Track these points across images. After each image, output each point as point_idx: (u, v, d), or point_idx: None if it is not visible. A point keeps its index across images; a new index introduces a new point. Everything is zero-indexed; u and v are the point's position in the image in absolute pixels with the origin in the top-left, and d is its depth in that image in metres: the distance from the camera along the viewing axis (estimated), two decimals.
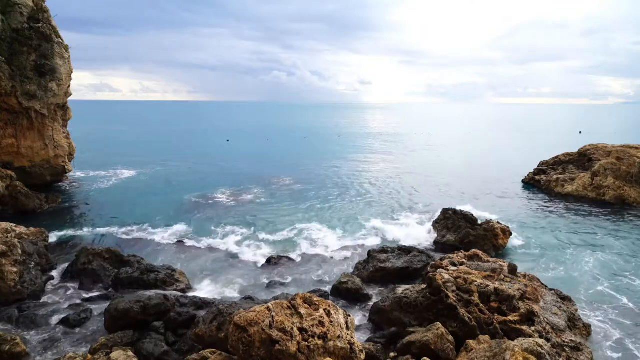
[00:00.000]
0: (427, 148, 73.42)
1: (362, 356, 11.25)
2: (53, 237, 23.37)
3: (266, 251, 22.78)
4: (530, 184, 39.80)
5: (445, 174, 46.19)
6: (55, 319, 15.32)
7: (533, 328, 13.17)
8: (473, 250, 18.31)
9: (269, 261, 21.30)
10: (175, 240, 24.17)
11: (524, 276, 16.35)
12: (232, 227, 26.61)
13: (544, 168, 40.20)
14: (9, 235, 18.10)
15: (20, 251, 18.00)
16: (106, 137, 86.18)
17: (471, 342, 12.21)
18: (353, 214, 30.21)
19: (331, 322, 11.14)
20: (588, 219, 29.09)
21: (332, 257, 22.12)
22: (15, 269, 17.05)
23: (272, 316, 10.81)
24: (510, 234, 23.11)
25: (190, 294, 17.62)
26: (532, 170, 41.26)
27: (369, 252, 20.99)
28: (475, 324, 13.36)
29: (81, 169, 43.87)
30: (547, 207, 32.45)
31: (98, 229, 25.96)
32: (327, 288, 18.09)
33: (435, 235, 24.75)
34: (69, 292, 17.73)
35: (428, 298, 14.61)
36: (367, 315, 15.98)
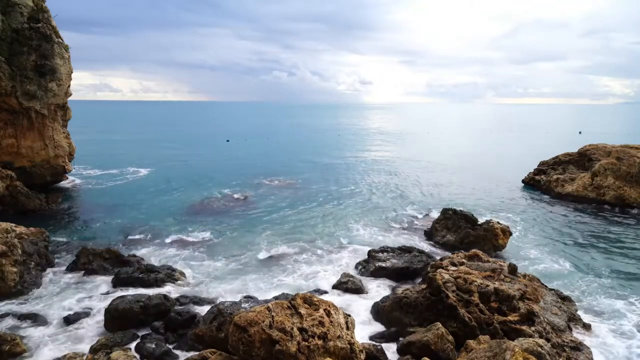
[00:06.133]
0: (427, 148, 73.43)
1: (362, 356, 11.25)
2: (53, 237, 23.35)
3: (266, 251, 22.76)
4: (530, 184, 39.79)
5: (445, 174, 46.21)
6: (55, 319, 15.31)
7: (533, 328, 13.17)
8: (473, 250, 18.31)
9: (270, 261, 21.29)
10: (175, 240, 24.16)
11: (524, 276, 16.34)
12: (233, 227, 26.61)
13: (544, 168, 40.18)
14: (9, 235, 18.09)
15: (20, 251, 18.00)
16: (106, 137, 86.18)
17: (471, 342, 12.21)
18: (353, 213, 30.20)
19: (331, 322, 11.15)
20: (588, 219, 29.10)
21: (332, 257, 22.10)
22: (15, 269, 17.06)
23: (272, 316, 10.81)
24: (510, 234, 23.09)
25: (190, 293, 17.62)
26: (532, 171, 41.25)
27: (369, 252, 20.99)
28: (475, 324, 13.37)
29: (81, 169, 43.91)
30: (547, 207, 32.45)
31: (98, 229, 25.96)
32: (327, 288, 18.09)
33: (435, 235, 24.75)
34: (69, 292, 17.71)
35: (428, 298, 14.61)
36: (367, 315, 15.98)
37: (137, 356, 12.89)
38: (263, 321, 10.62)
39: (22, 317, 15.20)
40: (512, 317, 13.52)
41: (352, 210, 31.28)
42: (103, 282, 18.42)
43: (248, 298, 16.45)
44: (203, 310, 15.47)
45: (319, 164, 53.25)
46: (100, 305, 16.15)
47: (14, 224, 19.48)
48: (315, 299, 11.75)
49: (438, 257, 19.43)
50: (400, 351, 13.20)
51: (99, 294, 17.49)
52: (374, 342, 13.82)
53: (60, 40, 33.65)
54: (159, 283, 18.00)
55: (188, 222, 27.61)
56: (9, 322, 14.92)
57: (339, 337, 10.93)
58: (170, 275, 18.59)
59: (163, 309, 15.17)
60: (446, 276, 14.91)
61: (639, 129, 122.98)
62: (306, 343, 10.46)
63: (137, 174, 44.39)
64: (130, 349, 13.21)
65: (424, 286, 15.26)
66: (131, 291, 17.17)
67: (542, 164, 41.26)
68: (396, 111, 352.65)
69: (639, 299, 17.48)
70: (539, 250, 23.21)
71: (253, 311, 10.98)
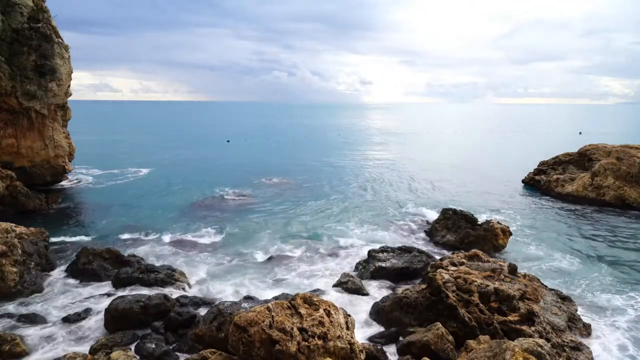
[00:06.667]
0: (427, 148, 73.43)
1: (362, 356, 11.25)
2: (53, 237, 23.35)
3: (266, 251, 22.77)
4: (530, 184, 39.80)
5: (445, 174, 46.21)
6: (55, 319, 15.31)
7: (533, 328, 13.17)
8: (473, 250, 18.31)
9: (269, 260, 21.28)
10: (175, 240, 24.16)
11: (524, 276, 16.34)
12: (233, 227, 26.61)
13: (544, 168, 40.20)
14: (9, 235, 18.09)
15: (20, 251, 17.99)
16: (106, 137, 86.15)
17: (471, 342, 12.21)
18: (353, 213, 30.20)
19: (331, 322, 11.14)
20: (588, 219, 29.10)
21: (332, 257, 22.11)
22: (15, 269, 17.05)
23: (272, 316, 10.81)
24: (510, 234, 23.10)
25: (190, 294, 17.62)
26: (532, 171, 41.26)
27: (369, 252, 20.98)
28: (475, 324, 13.37)
29: (82, 169, 43.91)
30: (547, 207, 32.45)
31: (98, 229, 25.96)
32: (327, 288, 18.07)
33: (435, 235, 24.74)
34: (69, 292, 17.71)
35: (428, 298, 14.61)
36: (367, 315, 15.98)
37: (137, 356, 12.89)
38: (263, 321, 10.62)
39: (22, 317, 15.19)
40: (512, 317, 13.52)
41: (352, 209, 31.28)
42: (103, 282, 18.42)
43: (248, 298, 16.47)
44: (203, 310, 15.48)
45: (319, 164, 53.25)
46: (100, 305, 16.14)
47: (14, 224, 19.48)
48: (315, 299, 11.75)
49: (438, 257, 19.43)
50: (400, 351, 13.20)
51: (99, 294, 17.48)
52: (373, 342, 13.82)
53: (60, 40, 33.66)
54: (159, 283, 17.99)
55: (188, 221, 27.61)
56: (9, 322, 14.92)
57: (339, 337, 10.93)
58: (170, 275, 18.57)
59: (163, 309, 15.16)
60: (446, 276, 14.91)
61: (639, 129, 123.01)
62: (306, 343, 10.46)
63: (138, 174, 44.40)
64: (130, 349, 13.21)
65: (424, 286, 15.26)
66: (131, 291, 17.18)
67: (542, 164, 41.28)
68: (396, 111, 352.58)
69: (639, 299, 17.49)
70: (539, 250, 23.21)
71: (253, 311, 10.98)
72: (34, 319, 15.07)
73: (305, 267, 20.78)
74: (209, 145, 74.67)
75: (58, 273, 19.43)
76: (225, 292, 18.01)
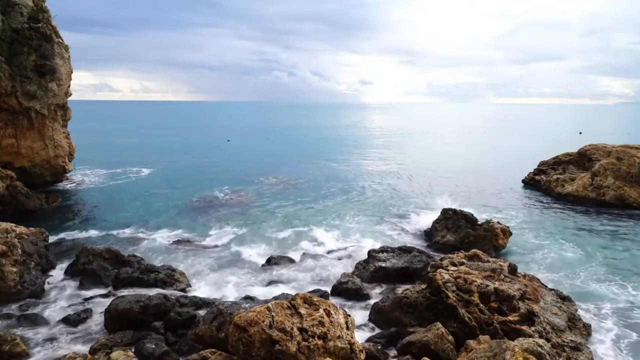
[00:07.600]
0: (427, 148, 73.43)
1: (362, 356, 11.25)
2: (53, 237, 23.35)
3: (266, 251, 22.77)
4: (530, 184, 39.79)
5: (445, 174, 46.19)
6: (55, 319, 15.31)
7: (533, 328, 13.16)
8: (473, 250, 18.30)
9: (269, 261, 21.26)
10: (175, 240, 24.16)
11: (524, 276, 16.34)
12: (233, 227, 26.62)
13: (544, 168, 40.18)
14: (9, 235, 18.09)
15: (20, 251, 17.99)
16: (106, 137, 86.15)
17: (471, 342, 12.21)
18: (353, 213, 30.20)
19: (331, 322, 11.14)
20: (588, 219, 29.08)
21: (332, 257, 22.11)
22: (15, 269, 17.05)
23: (272, 316, 10.81)
24: (510, 234, 23.09)
25: (190, 294, 17.62)
26: (532, 171, 41.25)
27: (369, 252, 20.97)
28: (475, 324, 13.36)
29: (83, 169, 43.93)
30: (547, 207, 32.45)
31: (98, 229, 25.95)
32: (327, 288, 18.07)
33: (435, 235, 24.73)
34: (69, 292, 17.72)
35: (428, 298, 14.61)
36: (367, 315, 15.98)
37: (137, 356, 12.88)
38: (263, 321, 10.62)
39: (22, 317, 15.18)
40: (512, 317, 13.52)
41: (352, 209, 31.28)
42: (103, 283, 18.41)
43: (248, 298, 16.46)
44: (203, 310, 15.48)
45: (319, 164, 53.24)
46: (100, 305, 16.14)
47: (14, 224, 19.46)
48: (315, 299, 11.75)
49: (438, 257, 19.41)
50: (400, 351, 13.19)
51: (99, 294, 17.49)
52: (373, 342, 13.82)
53: (60, 40, 33.68)
54: (159, 283, 17.99)
55: (189, 221, 27.62)
56: (9, 322, 14.92)
57: (339, 337, 10.93)
58: (170, 275, 18.57)
59: (163, 309, 15.15)
60: (446, 276, 14.90)
61: (639, 129, 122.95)
62: (306, 343, 10.46)
63: (139, 174, 44.41)
64: (130, 349, 13.20)
65: (424, 286, 15.26)
66: (131, 291, 17.17)
67: (542, 164, 41.26)
68: (396, 111, 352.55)
69: None
70: (538, 250, 23.19)
71: (253, 311, 10.98)
72: (34, 319, 15.07)
73: (305, 266, 20.78)
74: (210, 145, 74.68)
75: (58, 273, 19.44)
76: (225, 292, 18.01)
